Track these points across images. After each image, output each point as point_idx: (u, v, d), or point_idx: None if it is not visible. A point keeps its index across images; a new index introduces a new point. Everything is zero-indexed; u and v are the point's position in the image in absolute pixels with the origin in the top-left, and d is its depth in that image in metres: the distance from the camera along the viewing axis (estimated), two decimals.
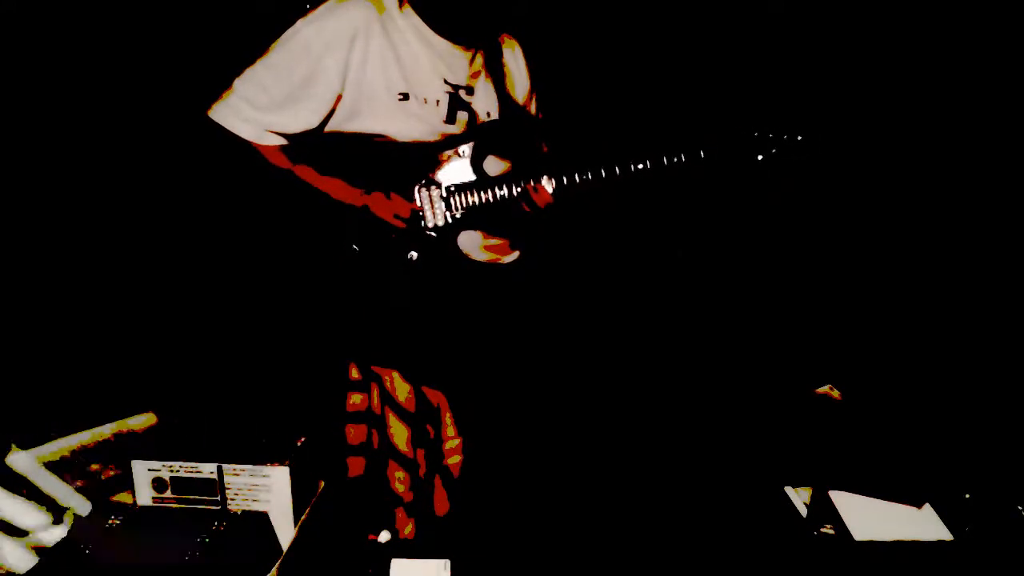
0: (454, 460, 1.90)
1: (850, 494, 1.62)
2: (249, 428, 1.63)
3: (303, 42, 1.56)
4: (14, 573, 1.38)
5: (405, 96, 1.62)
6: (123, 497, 1.59)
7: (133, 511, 1.49)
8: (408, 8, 1.64)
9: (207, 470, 1.49)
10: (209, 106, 1.59)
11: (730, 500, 1.99)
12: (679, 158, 1.68)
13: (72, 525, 1.45)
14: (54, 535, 1.43)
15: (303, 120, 1.59)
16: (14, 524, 1.42)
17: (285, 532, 1.50)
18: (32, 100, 2.13)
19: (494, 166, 1.74)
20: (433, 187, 1.70)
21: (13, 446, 1.59)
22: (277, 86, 1.56)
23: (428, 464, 1.86)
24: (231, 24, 2.19)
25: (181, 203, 2.30)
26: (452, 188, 1.70)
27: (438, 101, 1.66)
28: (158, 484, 1.50)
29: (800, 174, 1.76)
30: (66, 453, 1.70)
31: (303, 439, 1.59)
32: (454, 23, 1.66)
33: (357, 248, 1.68)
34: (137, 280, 2.32)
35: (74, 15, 2.14)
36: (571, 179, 1.69)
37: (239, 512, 1.49)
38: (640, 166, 1.68)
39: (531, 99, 1.89)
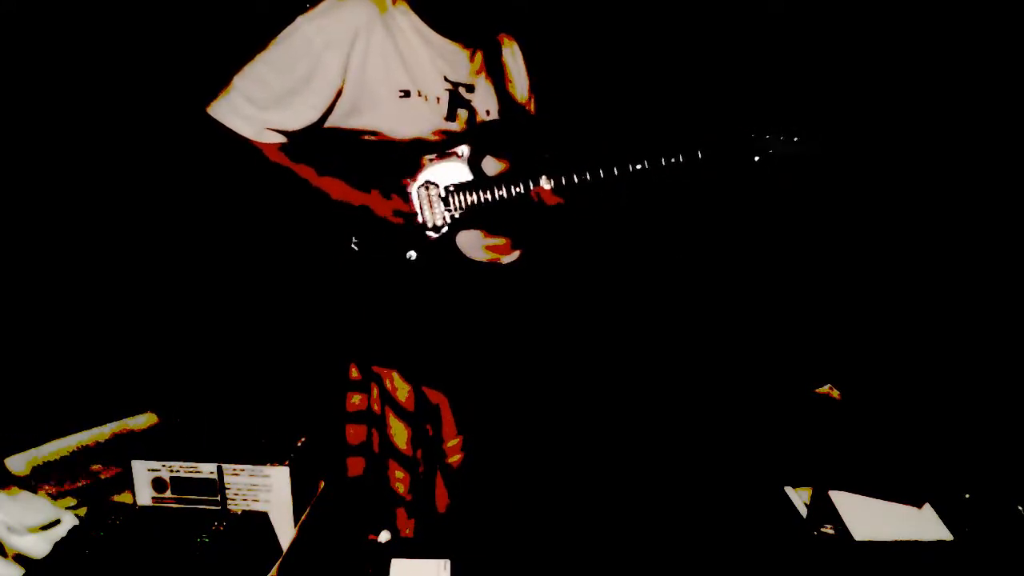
0: (454, 459, 1.90)
1: (850, 494, 1.62)
2: (249, 428, 1.63)
3: (304, 39, 1.56)
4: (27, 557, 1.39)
5: (406, 93, 1.62)
6: (123, 497, 1.59)
7: (133, 511, 1.49)
8: (403, 4, 1.64)
9: (207, 470, 1.49)
10: (208, 103, 1.59)
11: (730, 500, 1.99)
12: (677, 159, 1.69)
13: (71, 526, 1.44)
14: (53, 535, 1.43)
15: (303, 116, 1.59)
16: (13, 524, 1.42)
17: (285, 532, 1.50)
18: (31, 98, 2.13)
19: (492, 166, 1.74)
20: (432, 187, 1.70)
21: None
22: (277, 81, 1.56)
23: (428, 463, 1.86)
24: (231, 21, 2.19)
25: (181, 202, 2.30)
26: (451, 188, 1.70)
27: (438, 98, 1.66)
28: (158, 484, 1.50)
29: (798, 174, 1.76)
30: (66, 453, 1.70)
31: (303, 439, 1.59)
32: (450, 21, 1.66)
33: (356, 248, 1.68)
34: (137, 279, 2.32)
35: (73, 12, 2.13)
36: (569, 180, 1.70)
37: (239, 512, 1.49)
38: (638, 166, 1.69)
39: (531, 99, 1.89)
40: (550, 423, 2.32)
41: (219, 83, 1.59)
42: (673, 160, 1.69)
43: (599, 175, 1.70)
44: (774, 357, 2.54)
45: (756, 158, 1.71)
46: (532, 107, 1.90)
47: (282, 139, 1.61)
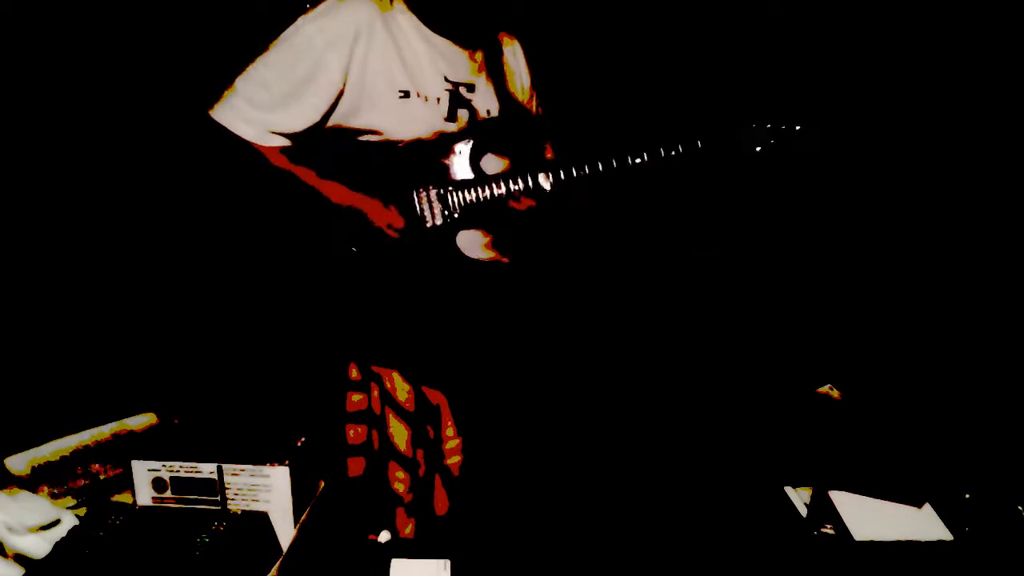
0: (454, 460, 1.90)
1: (850, 494, 1.62)
2: (249, 428, 1.63)
3: (305, 39, 1.56)
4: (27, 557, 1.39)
5: (406, 93, 1.62)
6: (123, 497, 1.59)
7: (133, 511, 1.49)
8: (401, 3, 1.64)
9: (207, 470, 1.49)
10: (211, 106, 1.59)
11: (730, 500, 1.99)
12: (677, 150, 1.68)
13: (71, 526, 1.44)
14: (53, 536, 1.43)
15: (305, 117, 1.59)
16: (13, 524, 1.42)
17: (285, 532, 1.50)
18: (32, 101, 2.13)
19: (493, 164, 1.74)
20: (432, 187, 1.70)
21: None
22: (279, 83, 1.56)
23: (428, 464, 1.86)
24: (232, 23, 2.19)
25: (182, 204, 2.30)
26: (451, 187, 1.70)
27: (439, 99, 1.66)
28: (158, 484, 1.50)
29: (799, 169, 1.76)
30: (66, 453, 1.70)
31: (303, 439, 1.59)
32: (448, 21, 1.66)
33: (356, 249, 1.68)
34: (138, 281, 2.32)
35: (74, 15, 2.13)
36: (569, 176, 1.69)
37: (239, 512, 1.49)
38: (638, 160, 1.68)
39: (532, 98, 1.89)
40: (550, 423, 2.32)
41: (220, 86, 1.59)
42: (673, 152, 1.68)
43: (599, 170, 1.69)
44: (774, 357, 2.54)
45: (758, 148, 1.71)
46: (534, 106, 1.90)
47: (284, 142, 1.61)
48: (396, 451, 1.81)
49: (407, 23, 1.64)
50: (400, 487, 1.83)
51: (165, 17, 2.21)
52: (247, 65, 1.58)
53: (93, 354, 2.21)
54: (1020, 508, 1.58)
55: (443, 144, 1.69)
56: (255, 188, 1.68)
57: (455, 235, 1.72)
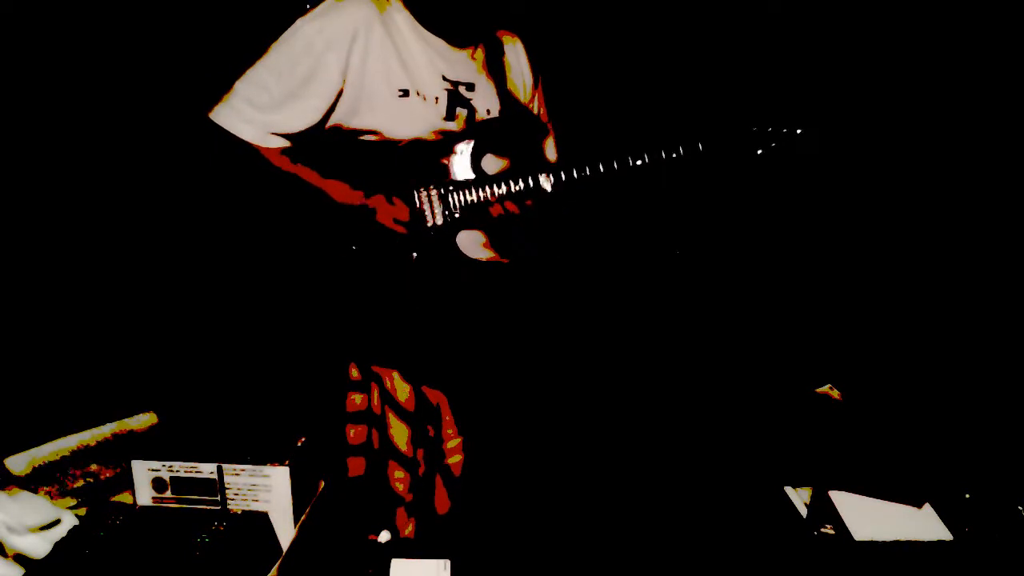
0: (455, 459, 1.90)
1: (850, 494, 1.62)
2: (249, 428, 1.63)
3: (304, 40, 1.56)
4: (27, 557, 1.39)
5: (405, 93, 1.62)
6: (123, 497, 1.59)
7: (133, 511, 1.49)
8: (398, 2, 1.64)
9: (207, 470, 1.49)
10: (210, 108, 1.59)
11: (730, 500, 1.99)
12: (678, 152, 1.68)
13: (71, 526, 1.45)
14: (53, 536, 1.43)
15: (305, 117, 1.59)
16: (13, 524, 1.42)
17: (285, 532, 1.50)
18: (32, 103, 2.13)
19: (492, 164, 1.74)
20: (432, 186, 1.70)
21: None
22: (278, 85, 1.56)
23: (428, 464, 1.86)
24: (230, 25, 2.19)
25: (182, 204, 2.30)
26: (450, 187, 1.70)
27: (437, 98, 1.66)
28: (158, 484, 1.50)
29: (801, 170, 1.76)
30: (66, 453, 1.70)
31: (303, 439, 1.59)
32: (442, 21, 1.66)
33: (357, 249, 1.68)
34: (138, 281, 2.32)
35: (73, 17, 2.13)
36: (569, 176, 1.70)
37: (239, 512, 1.49)
38: (639, 162, 1.68)
39: (535, 96, 1.89)
40: (550, 423, 2.32)
41: (221, 88, 1.59)
42: (674, 154, 1.68)
43: (599, 171, 1.69)
44: (774, 357, 2.54)
45: (759, 151, 1.70)
46: (535, 105, 1.90)
47: (285, 143, 1.62)
48: (396, 451, 1.81)
49: (404, 22, 1.64)
50: (400, 487, 1.83)
51: (163, 19, 2.21)
52: (246, 67, 1.58)
53: (93, 354, 2.21)
54: (1020, 508, 1.58)
55: (443, 144, 1.69)
56: (255, 188, 1.68)
57: (455, 235, 1.72)
